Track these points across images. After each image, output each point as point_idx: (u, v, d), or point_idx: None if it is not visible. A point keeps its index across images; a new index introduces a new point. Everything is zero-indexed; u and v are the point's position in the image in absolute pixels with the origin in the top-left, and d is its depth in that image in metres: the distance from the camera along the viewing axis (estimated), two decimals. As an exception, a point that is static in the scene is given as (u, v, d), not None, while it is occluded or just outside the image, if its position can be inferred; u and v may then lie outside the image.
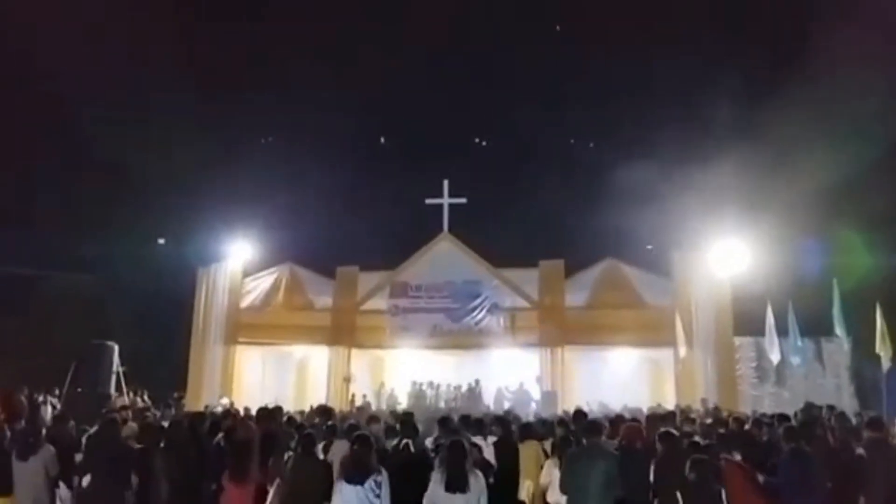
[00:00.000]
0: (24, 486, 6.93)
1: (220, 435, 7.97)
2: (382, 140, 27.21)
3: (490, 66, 25.75)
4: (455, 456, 5.87)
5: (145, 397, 16.34)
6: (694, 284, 16.99)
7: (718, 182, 18.33)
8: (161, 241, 22.57)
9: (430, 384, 18.00)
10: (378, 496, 5.60)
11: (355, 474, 5.65)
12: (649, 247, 17.62)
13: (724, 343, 16.56)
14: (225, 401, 16.43)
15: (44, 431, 7.69)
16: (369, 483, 5.61)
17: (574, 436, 7.46)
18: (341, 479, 5.72)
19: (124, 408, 11.42)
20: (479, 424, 8.74)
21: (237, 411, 12.21)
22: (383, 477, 5.69)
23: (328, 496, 5.80)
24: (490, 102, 26.46)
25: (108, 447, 6.93)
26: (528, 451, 7.96)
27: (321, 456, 7.26)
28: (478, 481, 5.89)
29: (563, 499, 6.51)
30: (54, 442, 7.29)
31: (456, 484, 5.73)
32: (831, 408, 11.74)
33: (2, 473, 6.94)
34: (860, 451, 6.93)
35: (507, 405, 16.19)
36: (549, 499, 7.21)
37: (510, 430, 8.45)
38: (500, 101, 26.33)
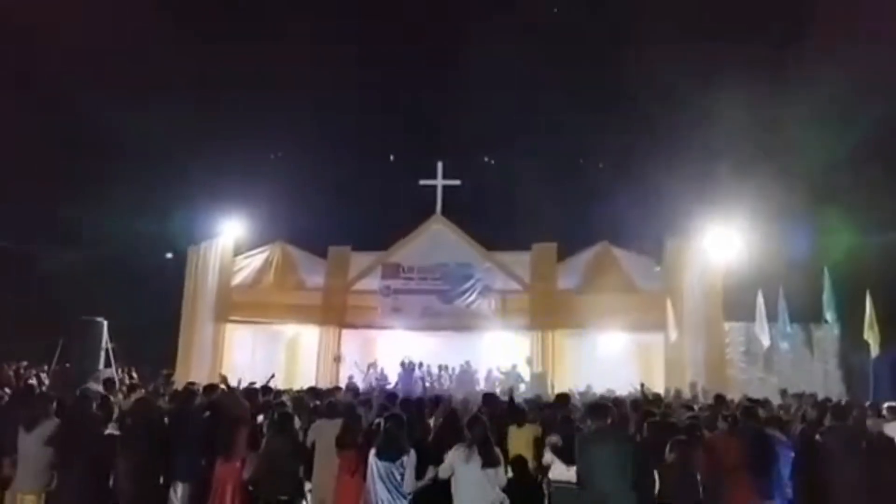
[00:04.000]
0: (27, 459, 6.58)
1: (207, 413, 7.93)
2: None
3: (487, 50, 25.53)
4: (482, 433, 5.90)
5: (134, 374, 16.28)
6: (686, 270, 17.04)
7: (711, 168, 18.31)
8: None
9: (420, 365, 18.03)
10: (402, 475, 5.74)
11: (389, 451, 5.77)
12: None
13: (714, 328, 16.62)
14: None
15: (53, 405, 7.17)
16: (400, 461, 5.73)
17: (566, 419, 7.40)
18: (374, 455, 5.82)
19: (109, 380, 11.29)
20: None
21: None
22: (411, 457, 5.80)
23: (301, 474, 5.83)
24: (486, 85, 26.26)
25: (79, 423, 6.84)
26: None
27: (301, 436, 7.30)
28: (499, 455, 6.01)
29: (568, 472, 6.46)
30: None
31: (490, 460, 5.79)
32: (812, 396, 11.81)
33: None
34: (818, 437, 6.86)
35: (497, 386, 16.24)
36: (551, 475, 7.18)
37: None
38: (496, 84, 26.13)
